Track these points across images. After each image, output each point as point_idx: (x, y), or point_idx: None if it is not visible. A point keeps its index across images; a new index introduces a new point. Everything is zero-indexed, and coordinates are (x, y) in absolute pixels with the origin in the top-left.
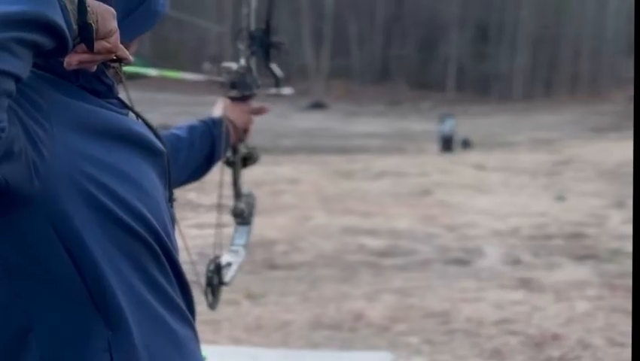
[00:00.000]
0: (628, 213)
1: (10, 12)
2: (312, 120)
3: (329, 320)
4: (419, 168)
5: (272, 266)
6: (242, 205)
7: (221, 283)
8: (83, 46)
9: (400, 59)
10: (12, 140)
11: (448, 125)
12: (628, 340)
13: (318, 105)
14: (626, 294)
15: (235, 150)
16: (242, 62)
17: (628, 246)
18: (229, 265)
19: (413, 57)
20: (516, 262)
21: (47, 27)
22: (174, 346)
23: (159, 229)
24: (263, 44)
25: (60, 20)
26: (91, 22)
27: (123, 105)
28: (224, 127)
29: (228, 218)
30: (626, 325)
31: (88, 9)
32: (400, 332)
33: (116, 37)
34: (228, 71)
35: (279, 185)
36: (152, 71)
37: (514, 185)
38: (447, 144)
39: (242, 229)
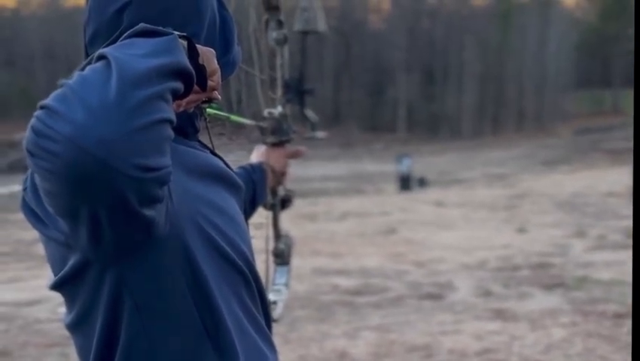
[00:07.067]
0: (589, 242)
1: (161, 65)
2: None
3: (314, 359)
4: (381, 207)
5: None
6: (282, 246)
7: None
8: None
9: (351, 103)
10: None
11: (405, 165)
12: None
13: None
14: (598, 319)
15: (274, 193)
16: (280, 108)
17: (594, 273)
18: (274, 303)
19: (363, 101)
20: (487, 293)
21: (183, 74)
22: None
23: (251, 259)
24: (298, 92)
25: (190, 66)
26: (203, 63)
27: (203, 146)
28: (267, 172)
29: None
30: (604, 349)
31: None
32: None
33: (218, 75)
34: (271, 117)
35: None
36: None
37: (475, 219)
38: (405, 182)
39: (282, 269)
